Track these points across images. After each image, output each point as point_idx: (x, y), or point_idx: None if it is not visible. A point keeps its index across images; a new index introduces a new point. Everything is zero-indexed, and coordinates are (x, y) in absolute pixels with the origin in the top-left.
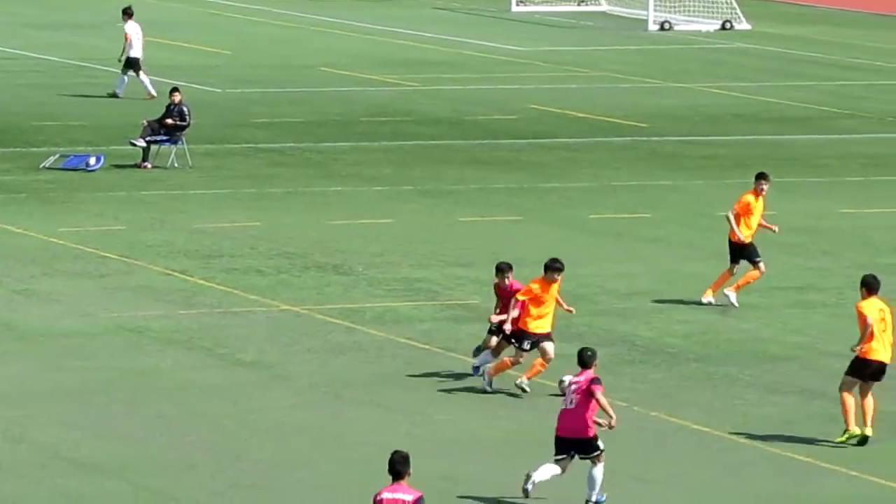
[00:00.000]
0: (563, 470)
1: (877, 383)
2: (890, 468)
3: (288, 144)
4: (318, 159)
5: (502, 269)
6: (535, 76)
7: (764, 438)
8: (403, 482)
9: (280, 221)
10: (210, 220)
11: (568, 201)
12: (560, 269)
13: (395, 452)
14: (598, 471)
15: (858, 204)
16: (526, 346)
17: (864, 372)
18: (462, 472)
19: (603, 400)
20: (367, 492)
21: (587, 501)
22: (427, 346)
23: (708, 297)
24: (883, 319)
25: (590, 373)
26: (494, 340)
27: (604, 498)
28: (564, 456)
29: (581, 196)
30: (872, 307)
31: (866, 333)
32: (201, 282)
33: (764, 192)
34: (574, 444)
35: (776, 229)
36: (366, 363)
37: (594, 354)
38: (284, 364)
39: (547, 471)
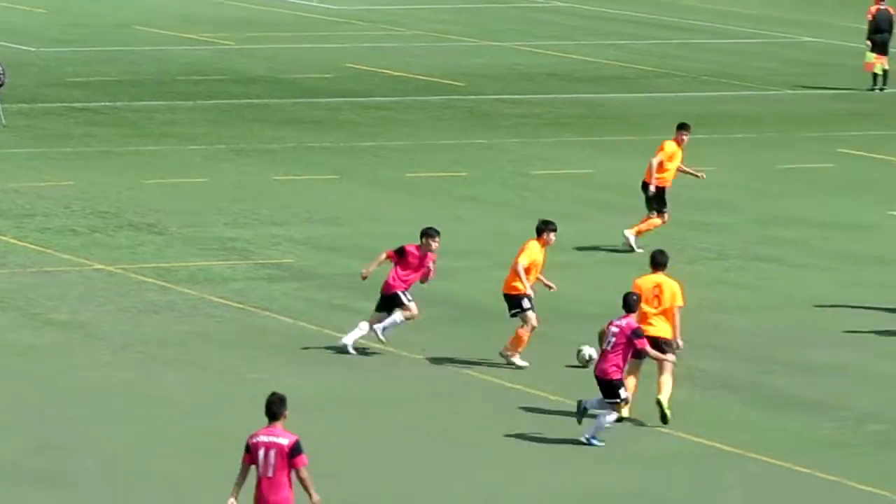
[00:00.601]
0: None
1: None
2: (703, 424)
3: (103, 104)
4: (133, 118)
5: (431, 234)
6: (351, 35)
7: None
8: (279, 424)
9: (94, 181)
10: (24, 180)
11: (384, 160)
12: (554, 230)
13: (273, 394)
14: (611, 417)
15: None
16: (526, 304)
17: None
18: None
19: (652, 352)
20: (181, 451)
21: (584, 436)
22: (241, 306)
23: (633, 242)
24: (657, 296)
25: (633, 321)
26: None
27: (600, 443)
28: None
29: (397, 155)
30: (647, 283)
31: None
32: (14, 241)
33: (684, 142)
34: (599, 384)
35: (703, 175)
36: (179, 322)
37: (639, 299)
38: (98, 324)
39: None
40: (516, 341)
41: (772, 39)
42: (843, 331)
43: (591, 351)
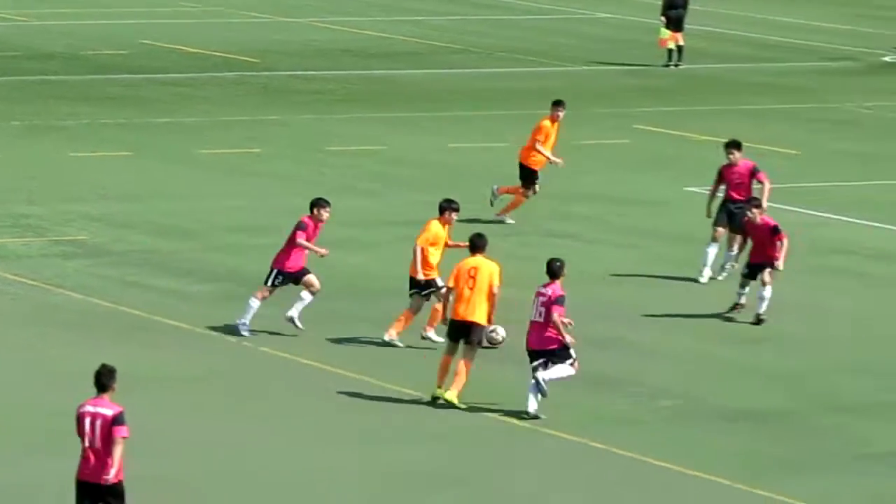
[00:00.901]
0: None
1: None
2: (499, 401)
3: None
4: None
5: (322, 204)
6: (146, 11)
7: (378, 376)
8: (106, 396)
9: None
10: None
11: (179, 137)
12: (457, 209)
13: (102, 365)
14: (567, 370)
15: (467, 138)
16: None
17: (450, 332)
18: (72, 407)
19: (557, 319)
20: None
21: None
22: (35, 283)
23: (509, 219)
24: (472, 277)
25: (558, 287)
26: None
27: (545, 387)
28: (538, 363)
29: (192, 131)
30: (465, 265)
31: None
32: None
33: (560, 119)
34: (545, 354)
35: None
36: None
37: (563, 265)
38: None
39: (534, 399)
40: (434, 315)
41: (568, 16)
42: (636, 306)
43: (503, 332)
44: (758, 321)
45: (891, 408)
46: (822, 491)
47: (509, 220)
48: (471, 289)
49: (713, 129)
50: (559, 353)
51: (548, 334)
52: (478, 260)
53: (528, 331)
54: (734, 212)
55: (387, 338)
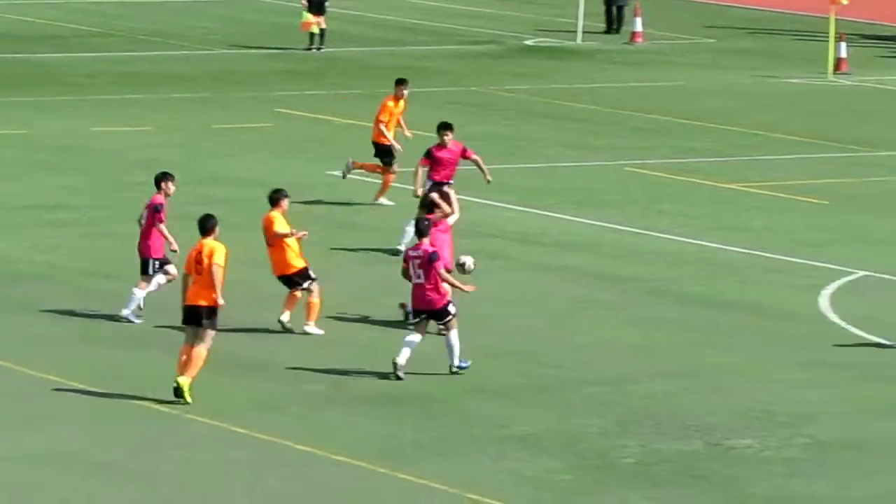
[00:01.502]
0: (422, 334)
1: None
2: (142, 386)
3: None
4: None
5: (168, 178)
6: None
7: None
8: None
9: None
10: None
11: None
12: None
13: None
14: (454, 336)
15: (110, 121)
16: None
17: (183, 318)
18: None
19: (445, 275)
20: None
21: (451, 367)
22: None
23: (386, 201)
24: (199, 262)
25: (428, 246)
26: None
27: (467, 364)
28: (418, 319)
29: None
30: (193, 250)
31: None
32: None
33: (404, 97)
34: (429, 312)
35: (410, 134)
36: None
37: (431, 223)
38: None
39: (407, 350)
40: (311, 308)
41: None
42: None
43: (469, 260)
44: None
45: (527, 390)
46: (462, 473)
47: (387, 202)
48: (199, 273)
49: (355, 113)
50: (440, 312)
51: (429, 294)
52: (203, 243)
53: (412, 292)
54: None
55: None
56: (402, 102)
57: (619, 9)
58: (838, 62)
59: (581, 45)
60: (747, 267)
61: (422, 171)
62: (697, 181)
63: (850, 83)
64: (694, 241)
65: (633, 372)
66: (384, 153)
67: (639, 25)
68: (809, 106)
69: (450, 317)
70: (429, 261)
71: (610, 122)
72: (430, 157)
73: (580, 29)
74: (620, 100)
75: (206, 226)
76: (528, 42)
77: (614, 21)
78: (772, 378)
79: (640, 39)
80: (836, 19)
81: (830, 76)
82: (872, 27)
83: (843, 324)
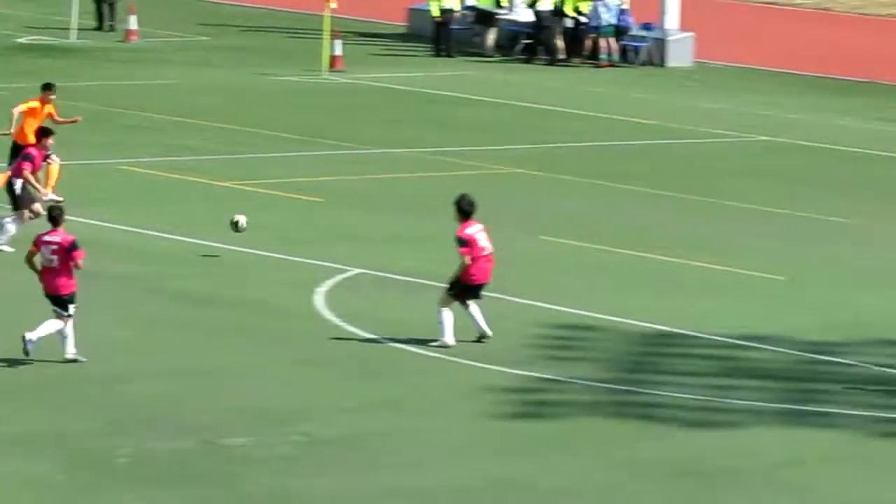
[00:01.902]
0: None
1: None
2: None
3: None
4: None
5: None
6: None
7: None
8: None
9: None
10: None
11: None
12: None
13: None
14: (56, 324)
15: None
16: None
17: None
18: None
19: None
20: None
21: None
22: None
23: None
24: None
25: (64, 233)
26: None
27: (31, 348)
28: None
29: None
30: None
31: None
32: None
33: (51, 100)
34: (53, 299)
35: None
36: None
37: (63, 212)
38: None
39: (50, 326)
40: None
41: None
42: None
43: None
44: None
45: (21, 389)
46: None
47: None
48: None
49: None
50: (65, 300)
51: (61, 280)
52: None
53: (42, 277)
54: None
55: None
56: (47, 105)
57: (111, 6)
58: (333, 60)
59: (76, 43)
60: (244, 265)
61: None
62: (193, 179)
63: (345, 81)
64: (190, 240)
65: (127, 371)
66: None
67: (133, 23)
68: (305, 103)
69: (68, 313)
70: (71, 249)
71: (103, 121)
72: None
73: (74, 27)
74: (114, 98)
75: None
76: (21, 40)
77: (105, 18)
78: (267, 375)
79: (135, 38)
80: (331, 17)
81: (325, 74)
82: (367, 24)
83: (337, 321)
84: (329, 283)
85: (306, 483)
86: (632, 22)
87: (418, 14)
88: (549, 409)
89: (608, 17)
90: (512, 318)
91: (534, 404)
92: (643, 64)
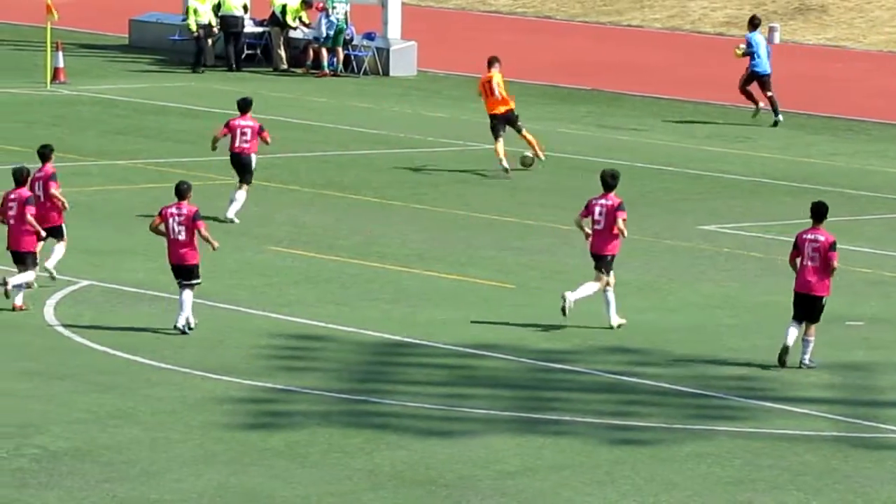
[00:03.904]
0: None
1: None
2: None
3: None
4: None
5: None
6: None
7: None
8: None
9: None
10: None
11: None
12: None
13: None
14: (189, 296)
15: None
16: None
17: None
18: None
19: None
20: None
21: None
22: None
23: None
24: None
25: (193, 206)
26: None
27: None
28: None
29: None
30: None
31: None
32: None
33: None
34: (178, 270)
35: None
36: None
37: (190, 187)
38: None
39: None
40: None
41: None
42: None
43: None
44: None
45: None
46: None
47: None
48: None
49: None
50: (191, 269)
51: (187, 251)
52: None
53: (170, 248)
54: None
55: None
56: None
57: None
58: (56, 72)
59: None
60: None
61: None
62: None
63: (68, 92)
64: None
65: None
66: None
67: None
68: (29, 116)
69: (198, 280)
70: (193, 219)
71: None
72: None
73: None
74: None
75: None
76: None
77: None
78: None
79: None
80: (53, 29)
81: (49, 86)
82: (89, 36)
83: (68, 333)
84: (58, 295)
85: (41, 496)
86: (353, 31)
87: (140, 25)
88: (284, 419)
89: (326, 28)
90: (242, 329)
91: (268, 415)
92: (366, 73)
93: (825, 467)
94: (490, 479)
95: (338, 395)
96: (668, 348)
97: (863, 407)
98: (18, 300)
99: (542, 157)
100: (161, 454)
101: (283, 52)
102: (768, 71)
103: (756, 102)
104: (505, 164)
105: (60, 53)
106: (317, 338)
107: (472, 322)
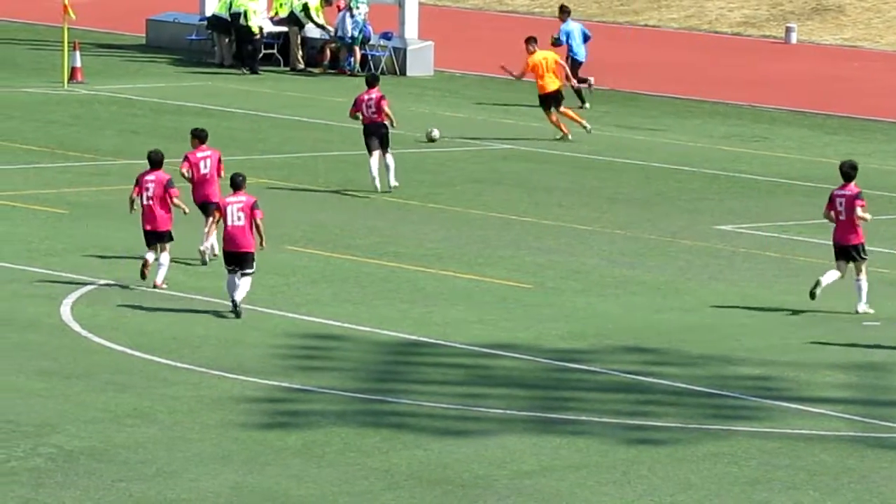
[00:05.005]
0: None
1: None
2: None
3: None
4: None
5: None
6: None
7: None
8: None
9: None
10: None
11: None
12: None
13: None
14: (247, 282)
15: None
16: None
17: None
18: None
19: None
20: None
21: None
22: None
23: None
24: None
25: (249, 196)
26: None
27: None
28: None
29: None
30: None
31: None
32: None
33: None
34: (236, 256)
35: None
36: None
37: (245, 178)
38: None
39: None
40: None
41: None
42: None
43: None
44: None
45: None
46: None
47: None
48: None
49: None
50: (248, 257)
51: (246, 239)
52: None
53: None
54: None
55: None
56: None
57: None
58: (73, 71)
59: None
60: None
61: None
62: None
63: (86, 92)
64: None
65: None
66: None
67: None
68: (46, 116)
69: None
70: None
71: None
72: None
73: None
74: None
75: None
76: None
77: None
78: (15, 388)
79: None
80: (70, 29)
81: (66, 86)
82: (106, 36)
83: (85, 332)
84: (75, 294)
85: (57, 495)
86: (371, 31)
87: (157, 25)
88: (300, 418)
89: (351, 28)
90: (259, 328)
91: (284, 414)
92: (383, 73)
93: (841, 467)
94: (506, 479)
95: (354, 394)
96: (684, 348)
97: (879, 407)
98: (159, 278)
99: (588, 127)
100: (177, 453)
101: (300, 52)
102: (582, 59)
103: (589, 84)
104: (564, 129)
105: (78, 53)
106: (333, 337)
107: (488, 321)
